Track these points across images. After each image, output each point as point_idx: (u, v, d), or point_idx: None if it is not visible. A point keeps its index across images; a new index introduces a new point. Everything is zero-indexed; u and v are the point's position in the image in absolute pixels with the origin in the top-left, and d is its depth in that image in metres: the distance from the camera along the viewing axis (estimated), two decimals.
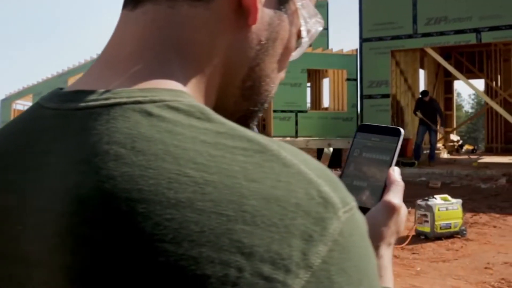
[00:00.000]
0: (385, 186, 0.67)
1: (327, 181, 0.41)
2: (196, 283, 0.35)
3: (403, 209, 0.66)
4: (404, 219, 0.67)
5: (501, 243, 6.03)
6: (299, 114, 18.15)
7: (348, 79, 18.60)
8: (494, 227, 6.77)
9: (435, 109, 11.61)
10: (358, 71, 11.90)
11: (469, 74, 17.04)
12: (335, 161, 18.41)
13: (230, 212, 0.36)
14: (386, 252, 0.64)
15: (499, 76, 16.41)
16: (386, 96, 11.54)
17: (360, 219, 0.42)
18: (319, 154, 18.89)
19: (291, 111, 18.07)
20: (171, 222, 0.36)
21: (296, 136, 17.77)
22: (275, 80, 0.56)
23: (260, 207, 0.37)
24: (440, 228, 6.13)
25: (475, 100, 51.79)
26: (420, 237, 6.21)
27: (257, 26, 0.51)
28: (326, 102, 22.48)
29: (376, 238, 0.64)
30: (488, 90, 16.76)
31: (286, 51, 0.56)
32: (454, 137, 17.64)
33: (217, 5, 0.48)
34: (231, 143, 0.40)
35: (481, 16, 10.34)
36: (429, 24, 10.88)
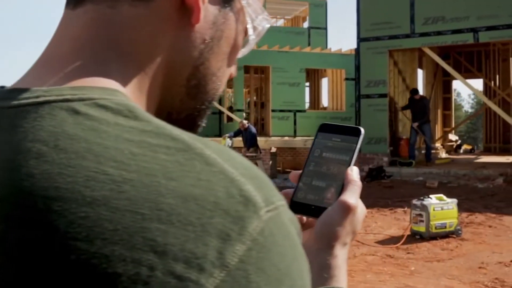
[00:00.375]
0: (344, 186, 0.68)
1: (252, 180, 0.40)
2: (107, 282, 0.34)
3: (360, 209, 0.66)
4: (361, 219, 0.67)
5: (496, 242, 6.03)
6: (298, 114, 18.16)
7: (346, 79, 18.60)
8: (490, 226, 6.77)
9: (424, 106, 11.63)
10: (356, 70, 11.86)
11: (468, 73, 17.04)
12: None
13: (146, 211, 0.36)
14: (341, 252, 0.64)
15: (497, 76, 16.40)
16: (383, 95, 11.54)
17: (287, 219, 0.42)
18: None
19: (290, 111, 18.08)
20: (85, 220, 0.36)
21: (295, 136, 17.77)
22: (222, 78, 0.56)
23: (177, 206, 0.37)
24: (435, 228, 6.13)
25: (475, 100, 51.77)
26: (415, 237, 6.22)
27: (201, 25, 0.50)
28: (325, 101, 22.50)
29: (331, 238, 0.64)
30: (487, 89, 16.76)
31: (234, 49, 0.56)
32: (452, 136, 17.64)
33: (158, 4, 0.48)
34: (155, 141, 0.40)
35: (479, 16, 10.33)
36: (427, 24, 10.87)
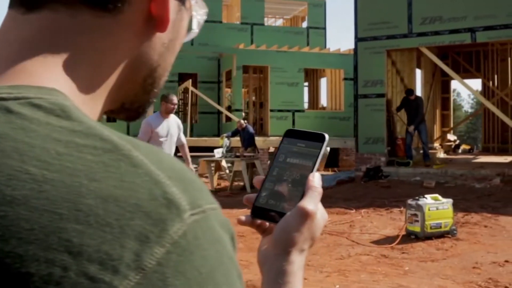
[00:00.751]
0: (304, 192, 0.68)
1: (179, 183, 0.41)
2: (19, 282, 0.35)
3: (320, 216, 0.66)
4: (321, 226, 0.67)
5: (491, 242, 6.03)
6: (296, 114, 18.16)
7: (345, 79, 18.60)
8: (485, 226, 6.77)
9: (418, 106, 11.63)
10: (354, 70, 11.87)
11: (466, 74, 17.02)
12: (333, 161, 18.40)
13: (64, 211, 0.36)
14: (298, 258, 0.64)
15: (496, 76, 16.39)
16: (381, 95, 11.53)
17: (217, 223, 0.42)
18: None
19: (288, 111, 18.07)
20: (3, 219, 0.36)
21: None
22: (170, 69, 0.58)
23: (96, 207, 0.37)
24: (431, 228, 6.14)
25: (475, 100, 51.74)
26: (410, 237, 6.22)
27: None
28: (323, 101, 22.50)
29: (287, 244, 0.64)
30: (485, 90, 16.75)
31: (181, 42, 0.58)
32: (451, 136, 17.63)
33: (126, 16, 0.49)
34: (83, 141, 0.40)
35: (476, 15, 10.33)
36: (424, 24, 10.87)
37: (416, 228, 6.17)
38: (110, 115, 0.58)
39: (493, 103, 15.84)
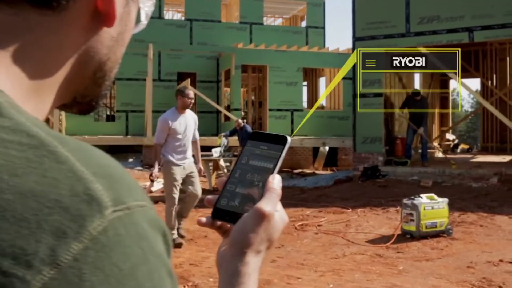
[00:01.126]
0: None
1: (104, 179, 0.41)
2: None
3: (279, 217, 0.66)
4: (280, 227, 0.66)
5: (486, 242, 6.03)
6: (295, 113, 18.15)
7: (344, 78, 18.57)
8: (481, 226, 6.76)
9: (424, 107, 11.63)
10: (352, 69, 11.86)
11: (465, 73, 17.01)
12: (331, 160, 18.40)
13: None
14: (253, 259, 0.64)
15: (494, 76, 16.39)
16: (378, 95, 11.53)
17: (145, 221, 0.42)
18: (315, 153, 18.87)
19: (287, 110, 18.07)
20: None
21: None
22: (120, 61, 0.59)
23: (14, 202, 0.37)
24: (426, 227, 6.13)
25: (475, 100, 51.70)
26: (406, 236, 6.21)
27: None
28: (322, 101, 22.45)
29: (243, 245, 0.64)
30: (484, 89, 16.75)
31: (131, 34, 0.58)
32: (450, 136, 17.63)
33: (71, 13, 0.49)
34: (10, 137, 0.41)
35: (474, 15, 10.32)
36: (422, 23, 10.86)
37: (412, 227, 6.17)
38: (63, 109, 0.58)
39: (491, 102, 15.85)
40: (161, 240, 0.44)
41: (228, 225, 0.70)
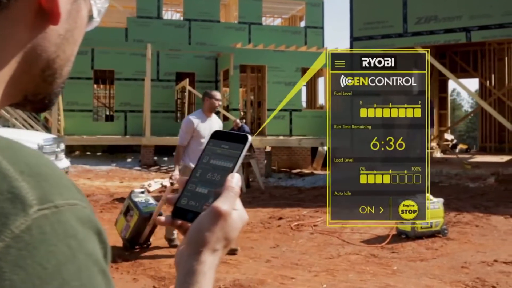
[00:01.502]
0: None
1: (31, 178, 0.41)
2: None
3: (237, 216, 0.66)
4: (238, 226, 0.66)
5: (481, 242, 6.03)
6: (294, 113, 18.14)
7: None
8: (477, 226, 6.76)
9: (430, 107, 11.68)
10: None
11: (464, 73, 17.02)
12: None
13: None
14: (209, 258, 0.64)
15: (493, 76, 16.39)
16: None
17: (73, 219, 0.42)
18: (313, 153, 18.86)
19: (286, 110, 18.05)
20: None
21: (290, 135, 17.77)
22: (73, 59, 0.58)
23: None
24: (421, 227, 6.13)
25: (474, 100, 51.67)
26: (401, 236, 6.21)
27: None
28: (322, 101, 22.46)
29: (199, 243, 0.64)
30: (482, 89, 16.75)
31: (82, 32, 0.58)
32: (448, 136, 17.62)
33: (13, 11, 0.49)
34: None
35: (471, 15, 10.32)
36: (419, 23, 10.86)
37: (407, 227, 6.17)
38: (17, 107, 0.58)
39: (490, 102, 15.85)
40: (95, 239, 0.43)
41: (189, 224, 0.70)
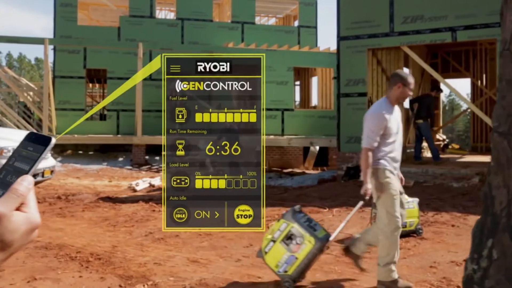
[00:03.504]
0: None
1: None
2: None
3: (22, 218, 0.65)
4: (20, 229, 0.65)
5: (454, 242, 6.02)
6: (286, 112, 18.15)
7: (335, 78, 18.57)
8: (453, 226, 6.75)
9: (430, 104, 11.89)
10: (336, 69, 11.86)
11: (456, 73, 17.01)
12: (322, 160, 18.39)
13: None
14: None
15: (484, 75, 16.37)
16: (363, 94, 11.52)
17: None
18: (305, 152, 18.86)
19: (277, 109, 18.07)
20: None
21: (282, 134, 17.77)
22: None
23: None
24: None
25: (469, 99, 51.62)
26: None
27: None
28: (315, 100, 22.46)
29: None
30: (474, 89, 16.73)
31: None
32: (440, 136, 17.60)
33: None
34: None
35: (457, 15, 10.31)
36: (406, 23, 10.85)
37: None
38: None
39: (481, 102, 15.84)
40: None
41: None
